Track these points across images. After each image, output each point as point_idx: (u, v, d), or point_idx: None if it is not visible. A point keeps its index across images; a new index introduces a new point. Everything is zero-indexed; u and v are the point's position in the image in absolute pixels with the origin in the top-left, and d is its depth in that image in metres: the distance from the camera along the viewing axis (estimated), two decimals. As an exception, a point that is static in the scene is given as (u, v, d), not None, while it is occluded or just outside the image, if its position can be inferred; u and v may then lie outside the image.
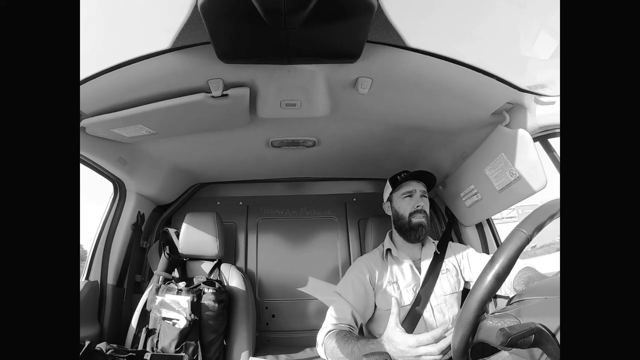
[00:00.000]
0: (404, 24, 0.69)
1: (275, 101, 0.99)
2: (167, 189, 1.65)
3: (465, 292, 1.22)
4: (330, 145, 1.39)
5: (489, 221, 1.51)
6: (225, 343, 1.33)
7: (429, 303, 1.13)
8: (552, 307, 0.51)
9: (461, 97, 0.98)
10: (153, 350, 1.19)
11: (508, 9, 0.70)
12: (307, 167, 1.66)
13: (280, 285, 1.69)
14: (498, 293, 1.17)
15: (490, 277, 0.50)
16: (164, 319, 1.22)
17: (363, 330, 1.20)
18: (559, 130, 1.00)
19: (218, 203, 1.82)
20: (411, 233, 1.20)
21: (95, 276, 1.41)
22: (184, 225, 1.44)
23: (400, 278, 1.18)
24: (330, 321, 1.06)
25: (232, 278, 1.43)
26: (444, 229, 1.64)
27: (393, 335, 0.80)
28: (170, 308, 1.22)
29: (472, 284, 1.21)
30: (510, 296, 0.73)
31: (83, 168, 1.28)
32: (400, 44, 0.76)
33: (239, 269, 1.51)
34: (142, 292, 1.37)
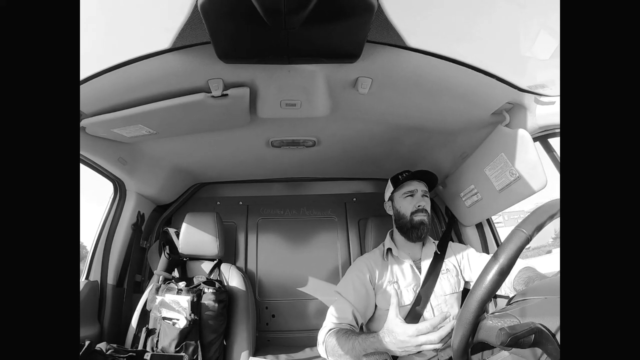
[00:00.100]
0: (404, 24, 0.69)
1: (275, 101, 0.99)
2: (167, 189, 1.65)
3: (465, 292, 1.22)
4: (330, 145, 1.39)
5: (489, 221, 1.51)
6: (225, 343, 1.33)
7: (429, 303, 1.13)
8: (552, 307, 0.51)
9: (461, 97, 0.98)
10: (153, 350, 1.19)
11: (508, 8, 0.70)
12: (307, 167, 1.66)
13: (280, 285, 1.69)
14: (498, 293, 1.17)
15: (490, 277, 0.50)
16: (164, 318, 1.22)
17: (363, 330, 1.20)
18: (559, 130, 1.00)
19: (218, 203, 1.82)
20: (412, 232, 1.20)
21: (95, 276, 1.41)
22: (184, 225, 1.44)
23: (401, 278, 1.18)
24: (331, 320, 1.06)
25: (232, 278, 1.43)
26: (444, 229, 1.64)
27: (393, 326, 0.81)
28: (170, 308, 1.22)
29: (472, 284, 1.21)
30: (510, 296, 0.73)
31: (83, 168, 1.28)
32: (400, 44, 0.76)
33: (239, 268, 1.51)
34: (142, 292, 1.36)
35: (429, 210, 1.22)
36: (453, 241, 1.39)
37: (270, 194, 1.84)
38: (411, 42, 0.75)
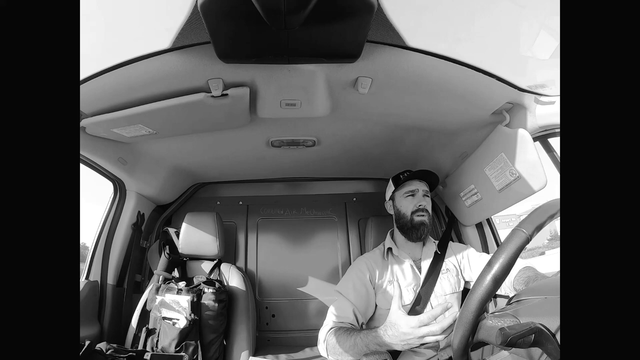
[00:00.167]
0: (404, 24, 0.69)
1: (275, 101, 0.99)
2: (167, 188, 1.65)
3: (465, 292, 1.22)
4: (330, 145, 1.39)
5: (489, 221, 1.51)
6: (225, 343, 1.33)
7: (429, 303, 1.13)
8: (552, 307, 0.51)
9: (461, 97, 0.98)
10: (153, 350, 1.19)
11: (508, 8, 0.70)
12: (307, 167, 1.66)
13: (280, 285, 1.69)
14: (498, 293, 1.17)
15: (490, 276, 0.50)
16: (164, 318, 1.22)
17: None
18: (559, 130, 1.00)
19: (218, 203, 1.82)
20: (413, 231, 1.20)
21: (95, 276, 1.41)
22: (184, 225, 1.44)
23: (401, 277, 1.18)
24: (331, 319, 1.06)
25: (232, 278, 1.43)
26: (444, 228, 1.64)
27: (396, 319, 0.81)
28: (170, 308, 1.22)
29: (472, 284, 1.21)
30: (510, 296, 0.73)
31: (83, 168, 1.29)
32: (400, 44, 0.76)
33: (239, 268, 1.51)
34: (142, 292, 1.37)
35: (429, 210, 1.22)
36: (453, 241, 1.39)
37: (270, 194, 1.84)
38: (411, 42, 0.75)
